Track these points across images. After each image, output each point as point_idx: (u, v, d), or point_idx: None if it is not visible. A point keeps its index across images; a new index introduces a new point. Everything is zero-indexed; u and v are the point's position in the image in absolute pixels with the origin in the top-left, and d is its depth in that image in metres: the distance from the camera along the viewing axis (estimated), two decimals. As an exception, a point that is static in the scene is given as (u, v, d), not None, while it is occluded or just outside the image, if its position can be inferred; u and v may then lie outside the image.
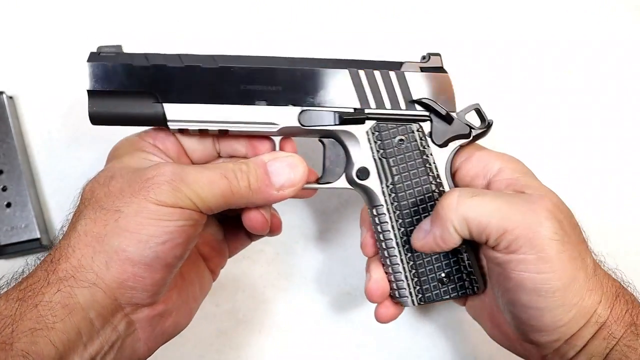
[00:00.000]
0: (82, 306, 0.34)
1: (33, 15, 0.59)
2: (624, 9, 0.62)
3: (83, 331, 0.34)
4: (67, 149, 0.56)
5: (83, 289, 0.34)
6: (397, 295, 0.43)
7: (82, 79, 0.40)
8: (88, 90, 0.40)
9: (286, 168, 0.39)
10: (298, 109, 0.41)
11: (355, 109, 0.41)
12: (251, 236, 0.48)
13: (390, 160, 0.41)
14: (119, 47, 0.41)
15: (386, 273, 0.43)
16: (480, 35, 0.61)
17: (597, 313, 0.36)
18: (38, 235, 0.53)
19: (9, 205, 0.54)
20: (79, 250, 0.35)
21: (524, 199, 0.38)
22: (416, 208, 0.41)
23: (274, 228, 0.44)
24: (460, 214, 0.37)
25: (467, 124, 0.42)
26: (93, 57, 0.40)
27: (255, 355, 0.55)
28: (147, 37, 0.59)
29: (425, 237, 0.39)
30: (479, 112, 0.43)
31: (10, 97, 0.57)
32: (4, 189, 0.54)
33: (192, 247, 0.38)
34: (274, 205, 0.44)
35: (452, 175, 0.43)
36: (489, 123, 0.43)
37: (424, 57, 0.44)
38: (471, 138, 0.43)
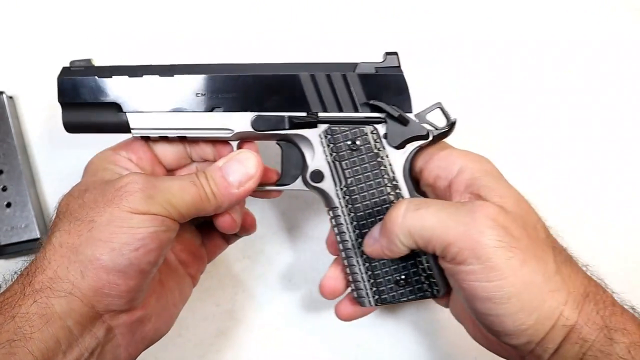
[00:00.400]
0: (60, 315, 0.35)
1: (33, 15, 0.59)
2: (624, 9, 0.62)
3: (61, 340, 0.35)
4: (67, 149, 0.56)
5: (60, 298, 0.35)
6: (355, 295, 0.43)
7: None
8: (59, 102, 0.43)
9: (238, 164, 0.40)
10: (251, 115, 0.42)
11: (307, 112, 0.42)
12: (228, 239, 0.49)
13: (344, 163, 0.42)
14: (89, 60, 0.43)
15: (345, 273, 0.43)
16: (480, 35, 0.61)
17: (564, 315, 0.35)
18: (38, 235, 0.53)
19: (9, 205, 0.54)
20: (55, 262, 0.36)
21: (467, 208, 0.37)
22: (371, 211, 0.42)
23: (247, 227, 0.46)
24: (405, 227, 0.37)
25: (426, 125, 0.42)
26: (64, 72, 0.43)
27: (255, 355, 0.55)
28: (147, 37, 0.59)
29: (374, 244, 0.40)
30: (443, 111, 0.43)
31: (10, 97, 0.57)
32: (4, 189, 0.54)
33: (167, 253, 0.39)
34: (250, 205, 0.45)
35: (418, 176, 0.43)
36: (452, 122, 0.42)
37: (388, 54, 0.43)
38: (431, 139, 0.42)
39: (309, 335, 0.55)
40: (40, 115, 0.57)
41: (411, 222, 0.37)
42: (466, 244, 0.35)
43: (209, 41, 0.59)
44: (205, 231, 0.47)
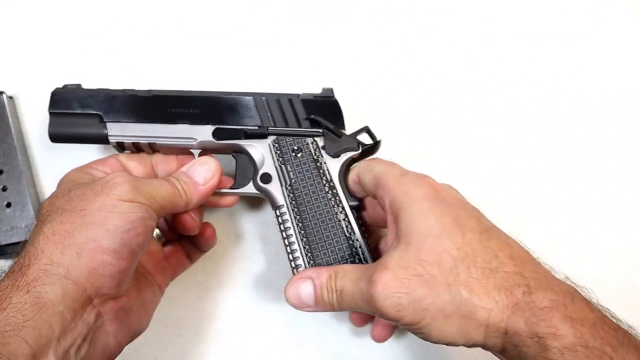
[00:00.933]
0: (53, 302, 0.36)
1: (33, 15, 0.59)
2: (623, 9, 0.62)
3: (55, 326, 0.36)
4: (67, 150, 0.56)
5: (53, 284, 0.36)
6: None
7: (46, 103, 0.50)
8: (50, 112, 0.50)
9: (200, 167, 0.47)
10: (213, 127, 0.50)
11: (258, 126, 0.50)
12: (191, 258, 0.52)
13: (288, 166, 0.49)
14: (79, 85, 0.52)
15: (292, 268, 0.48)
16: (479, 35, 0.62)
17: (490, 333, 0.36)
18: (38, 235, 0.53)
19: (9, 205, 0.54)
20: (48, 249, 0.38)
21: (366, 280, 0.39)
22: (311, 205, 0.48)
23: (207, 237, 0.51)
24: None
25: (356, 140, 0.50)
26: (57, 89, 0.51)
27: (255, 355, 0.55)
28: (148, 35, 0.59)
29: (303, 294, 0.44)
30: (369, 132, 0.51)
31: (10, 97, 0.57)
32: (4, 189, 0.54)
33: (148, 242, 0.42)
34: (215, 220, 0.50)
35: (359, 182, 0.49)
36: (376, 142, 0.50)
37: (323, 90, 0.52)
38: (360, 151, 0.50)
39: (309, 335, 0.55)
40: (40, 115, 0.57)
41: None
42: (374, 312, 0.39)
43: (209, 41, 0.60)
44: (169, 249, 0.51)
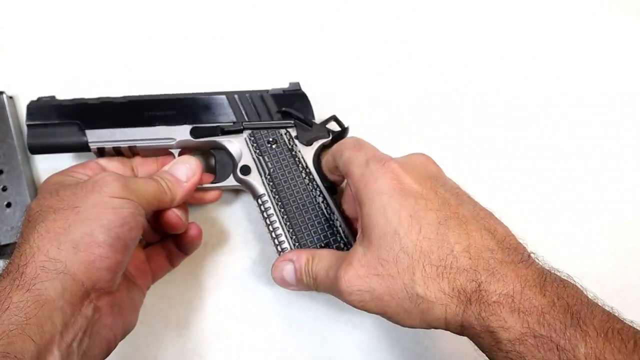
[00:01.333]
0: (53, 298, 0.37)
1: (33, 15, 0.60)
2: (623, 9, 0.62)
3: (57, 321, 0.36)
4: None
5: (53, 280, 0.37)
6: None
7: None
8: (27, 124, 0.51)
9: (182, 165, 0.49)
10: (190, 126, 0.52)
11: (233, 122, 0.52)
12: (173, 261, 0.53)
13: (265, 157, 0.52)
14: (53, 97, 0.53)
15: (277, 252, 0.50)
16: (479, 35, 0.62)
17: (448, 318, 0.37)
18: (38, 235, 0.53)
19: (9, 205, 0.54)
20: (44, 247, 0.38)
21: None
22: (291, 191, 0.51)
23: (194, 236, 0.51)
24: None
25: (326, 128, 0.53)
26: (32, 102, 0.52)
27: (255, 355, 0.55)
28: (149, 34, 0.59)
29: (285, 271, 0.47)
30: (337, 120, 0.54)
31: (10, 97, 0.57)
32: (4, 189, 0.54)
33: (139, 237, 0.44)
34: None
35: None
36: (345, 128, 0.53)
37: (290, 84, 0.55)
38: (330, 138, 0.53)
39: (309, 336, 0.55)
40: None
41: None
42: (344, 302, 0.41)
43: (208, 41, 0.60)
44: (150, 251, 0.52)
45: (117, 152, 0.52)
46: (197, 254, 0.55)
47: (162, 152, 0.53)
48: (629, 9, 0.63)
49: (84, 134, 0.51)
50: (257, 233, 0.57)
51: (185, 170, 0.49)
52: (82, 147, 0.51)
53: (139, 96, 0.53)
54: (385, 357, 0.55)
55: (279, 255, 0.50)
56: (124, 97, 0.53)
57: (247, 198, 0.57)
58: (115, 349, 0.51)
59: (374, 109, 0.60)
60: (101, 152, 0.52)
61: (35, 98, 0.52)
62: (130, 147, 0.52)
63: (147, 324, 0.54)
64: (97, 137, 0.51)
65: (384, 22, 0.62)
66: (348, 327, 0.55)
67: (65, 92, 0.57)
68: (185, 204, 0.51)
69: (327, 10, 0.61)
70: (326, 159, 0.51)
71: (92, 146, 0.51)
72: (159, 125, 0.52)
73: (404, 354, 0.55)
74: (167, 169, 0.49)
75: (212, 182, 0.53)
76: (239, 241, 0.56)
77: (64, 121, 0.51)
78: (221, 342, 0.55)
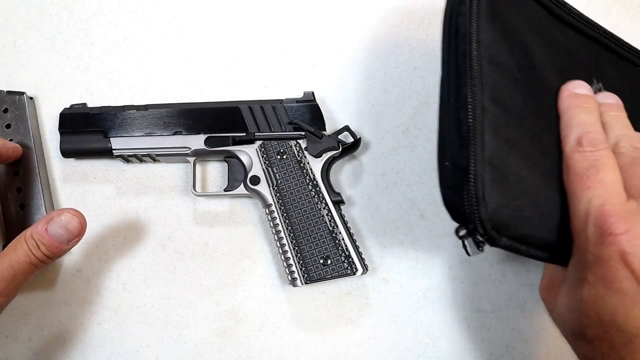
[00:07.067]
0: None
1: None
2: (621, 10, 0.62)
3: None
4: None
5: None
6: (289, 279, 0.52)
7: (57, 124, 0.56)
8: (60, 131, 0.55)
9: (62, 229, 0.46)
10: (204, 136, 0.55)
11: (246, 133, 0.55)
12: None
13: (274, 168, 0.54)
14: (84, 104, 0.56)
15: (282, 261, 0.52)
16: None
17: None
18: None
19: (22, 206, 0.54)
20: None
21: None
22: (296, 203, 0.52)
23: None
24: None
25: (336, 140, 0.54)
26: (64, 110, 0.56)
27: (256, 355, 0.54)
28: (150, 33, 0.61)
29: None
30: (350, 131, 0.55)
31: (31, 98, 0.57)
32: (19, 190, 0.55)
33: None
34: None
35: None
36: (357, 139, 0.54)
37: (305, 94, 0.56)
38: (340, 150, 0.54)
39: (309, 336, 0.54)
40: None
41: None
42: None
43: (208, 40, 0.61)
44: None
45: (138, 159, 0.56)
46: (197, 254, 0.56)
47: (179, 158, 0.56)
48: (627, 10, 0.62)
49: (109, 141, 0.55)
50: (257, 234, 0.57)
51: (66, 235, 0.46)
52: (107, 153, 0.55)
53: (159, 105, 0.56)
54: (385, 357, 0.53)
55: (283, 263, 0.52)
56: (145, 106, 0.56)
57: (248, 199, 0.58)
58: (117, 348, 0.51)
59: (374, 109, 0.59)
60: (124, 158, 0.56)
61: (68, 105, 0.56)
62: (149, 155, 0.55)
63: (147, 324, 0.54)
64: (120, 144, 0.55)
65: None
66: (348, 327, 0.54)
67: (86, 94, 0.59)
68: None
69: (328, 11, 0.62)
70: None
71: (115, 153, 0.55)
72: (176, 134, 0.55)
73: (404, 354, 0.53)
74: (45, 226, 0.46)
75: (224, 190, 0.55)
76: (239, 242, 0.57)
77: (91, 129, 0.55)
78: (221, 341, 0.54)
